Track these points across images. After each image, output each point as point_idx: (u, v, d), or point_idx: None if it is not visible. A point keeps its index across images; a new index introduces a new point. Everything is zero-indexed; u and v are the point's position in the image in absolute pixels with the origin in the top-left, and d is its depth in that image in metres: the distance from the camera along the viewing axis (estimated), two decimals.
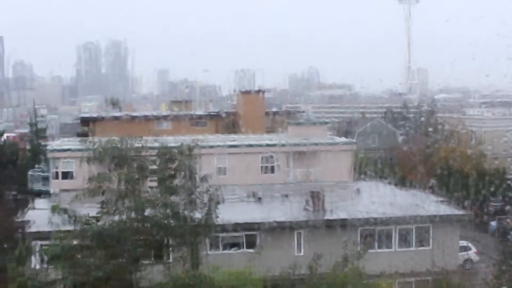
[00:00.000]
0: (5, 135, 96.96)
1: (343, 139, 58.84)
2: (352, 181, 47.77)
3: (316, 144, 49.73)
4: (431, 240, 36.38)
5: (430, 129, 61.01)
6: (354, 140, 60.48)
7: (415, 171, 57.18)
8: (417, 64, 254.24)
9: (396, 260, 33.88)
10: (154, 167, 27.21)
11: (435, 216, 36.17)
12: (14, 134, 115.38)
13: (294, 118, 65.77)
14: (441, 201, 40.46)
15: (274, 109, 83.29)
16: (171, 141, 31.22)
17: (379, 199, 39.11)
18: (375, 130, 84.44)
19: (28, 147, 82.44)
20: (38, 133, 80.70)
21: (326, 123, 62.23)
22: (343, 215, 35.92)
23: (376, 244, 35.89)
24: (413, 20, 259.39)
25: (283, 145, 49.39)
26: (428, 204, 39.17)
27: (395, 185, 46.77)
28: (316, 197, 37.16)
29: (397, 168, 58.57)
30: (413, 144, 66.04)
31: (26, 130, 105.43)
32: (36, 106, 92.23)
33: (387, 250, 36.17)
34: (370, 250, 31.11)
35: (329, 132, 63.35)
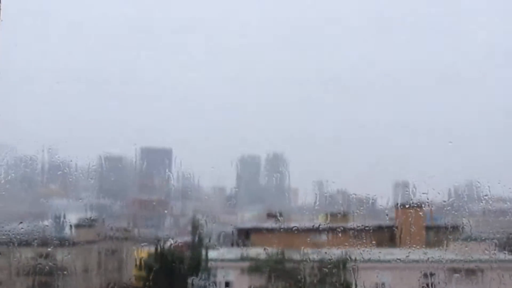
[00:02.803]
0: (168, 242, 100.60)
1: (509, 256, 55.59)
2: None
3: (480, 261, 47.28)
4: None
5: None
6: None
7: None
8: None
9: None
10: (312, 279, 27.08)
11: None
12: (176, 242, 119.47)
13: (456, 233, 63.17)
14: None
15: (434, 223, 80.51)
16: (329, 253, 31.03)
17: None
18: None
19: (188, 254, 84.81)
20: (199, 241, 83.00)
21: (488, 238, 59.23)
22: None
23: None
24: None
25: (444, 262, 47.41)
26: None
27: None
28: None
29: None
30: None
31: (187, 238, 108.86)
32: (197, 215, 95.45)
33: None
34: None
35: (493, 248, 60.17)
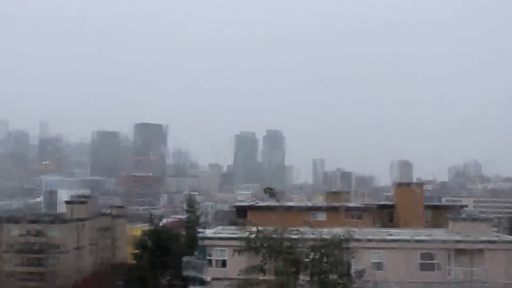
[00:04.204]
0: (163, 220, 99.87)
1: (509, 237, 54.71)
2: None
3: (480, 241, 46.20)
4: None
5: None
6: None
7: None
8: None
9: None
10: (309, 259, 26.07)
11: None
12: (171, 220, 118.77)
13: (455, 212, 62.29)
14: None
15: (434, 203, 79.79)
16: (326, 233, 29.90)
17: None
18: None
19: (183, 233, 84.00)
20: (194, 220, 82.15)
21: (490, 219, 58.39)
22: None
23: None
24: None
25: (444, 242, 46.30)
26: None
27: None
28: None
29: None
30: None
31: (182, 216, 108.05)
32: (193, 193, 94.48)
33: None
34: None
35: (492, 228, 59.32)
